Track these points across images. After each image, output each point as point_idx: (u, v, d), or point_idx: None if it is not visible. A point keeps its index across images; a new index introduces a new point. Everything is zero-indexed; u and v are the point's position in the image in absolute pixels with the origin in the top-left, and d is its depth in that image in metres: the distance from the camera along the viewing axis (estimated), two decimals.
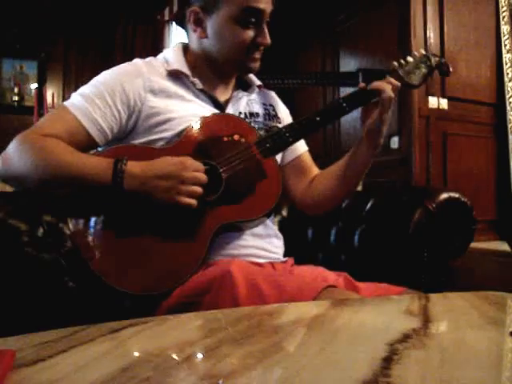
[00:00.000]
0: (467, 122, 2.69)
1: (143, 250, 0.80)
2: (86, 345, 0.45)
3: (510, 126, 2.72)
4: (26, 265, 0.76)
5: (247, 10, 0.88)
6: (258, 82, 1.04)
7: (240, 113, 0.98)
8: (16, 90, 3.70)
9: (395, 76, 0.96)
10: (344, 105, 0.92)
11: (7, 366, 0.37)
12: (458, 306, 0.67)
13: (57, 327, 0.50)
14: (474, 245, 1.15)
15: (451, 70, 1.04)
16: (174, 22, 3.82)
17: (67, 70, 3.77)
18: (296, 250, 1.04)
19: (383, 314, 0.63)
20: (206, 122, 0.89)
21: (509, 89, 2.74)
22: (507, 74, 2.76)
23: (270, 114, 1.04)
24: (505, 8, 2.79)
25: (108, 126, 0.85)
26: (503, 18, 2.78)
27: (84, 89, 0.88)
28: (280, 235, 1.01)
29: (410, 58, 0.99)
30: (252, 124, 0.96)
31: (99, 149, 0.88)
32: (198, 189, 0.79)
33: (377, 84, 0.90)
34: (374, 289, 0.86)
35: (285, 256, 1.00)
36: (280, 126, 1.03)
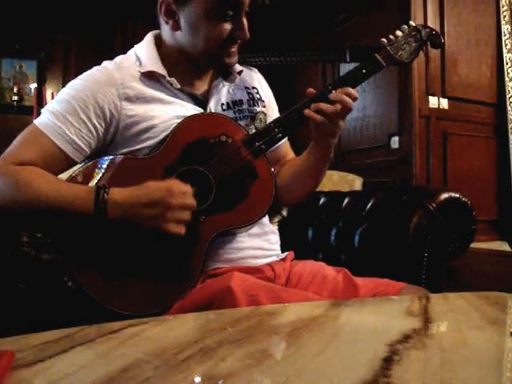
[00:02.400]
0: (468, 122, 2.69)
1: (138, 270, 0.78)
2: (85, 345, 0.45)
3: (510, 125, 2.72)
4: (25, 265, 0.76)
5: (223, 2, 0.81)
6: (239, 69, 0.96)
7: (222, 104, 0.93)
8: (15, 89, 3.70)
9: (384, 54, 0.91)
10: (333, 91, 0.85)
11: (6, 367, 0.37)
12: (458, 306, 0.67)
13: (56, 327, 0.50)
14: (474, 245, 1.15)
15: (443, 41, 0.98)
16: None
17: (67, 70, 3.76)
18: (296, 249, 1.04)
19: (383, 314, 0.63)
20: (189, 124, 0.84)
21: (509, 88, 2.74)
22: (508, 73, 2.76)
23: (255, 99, 0.98)
24: (505, 8, 2.79)
25: (85, 144, 0.81)
26: (504, 17, 2.78)
27: (54, 105, 0.82)
28: (276, 231, 1.00)
29: (399, 33, 0.93)
30: (236, 113, 0.93)
31: (79, 164, 0.84)
32: (186, 215, 0.76)
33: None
34: (374, 286, 0.85)
35: (283, 251, 0.99)
36: (264, 110, 0.99)
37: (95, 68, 0.87)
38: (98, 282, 0.77)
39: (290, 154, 1.05)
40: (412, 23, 0.96)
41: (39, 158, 0.79)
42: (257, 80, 1.03)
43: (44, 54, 3.67)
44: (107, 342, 0.47)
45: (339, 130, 0.87)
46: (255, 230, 0.90)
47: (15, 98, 3.69)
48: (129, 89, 0.84)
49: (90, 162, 0.83)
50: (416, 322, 0.55)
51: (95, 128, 0.82)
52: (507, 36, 2.78)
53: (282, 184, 0.96)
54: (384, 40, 0.92)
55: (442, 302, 0.71)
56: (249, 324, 0.55)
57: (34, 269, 0.76)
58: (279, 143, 0.98)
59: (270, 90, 1.06)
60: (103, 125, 0.82)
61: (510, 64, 2.76)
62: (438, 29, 2.61)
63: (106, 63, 0.88)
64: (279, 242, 0.99)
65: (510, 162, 2.70)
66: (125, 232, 0.77)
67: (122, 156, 0.83)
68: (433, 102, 2.58)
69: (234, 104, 0.94)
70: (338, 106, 0.82)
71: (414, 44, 0.93)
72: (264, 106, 1.00)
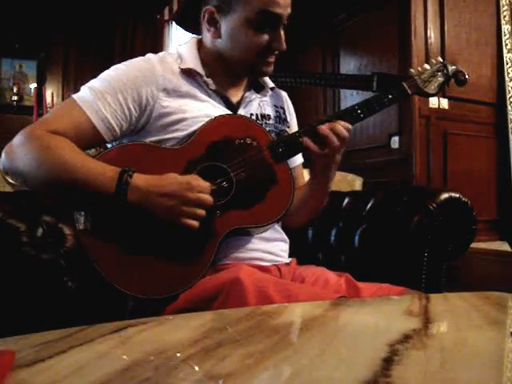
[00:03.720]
0: (468, 122, 2.69)
1: (150, 254, 0.79)
2: (85, 345, 0.45)
3: (510, 125, 2.72)
4: (25, 265, 0.76)
5: (263, 14, 0.85)
6: (271, 85, 1.02)
7: (252, 114, 0.96)
8: (15, 89, 3.71)
9: (412, 83, 0.96)
10: (359, 111, 0.90)
11: (7, 367, 0.37)
12: (459, 306, 0.67)
13: (56, 327, 0.50)
14: (474, 245, 1.15)
15: (468, 78, 1.05)
16: (173, 22, 3.82)
17: (66, 70, 3.77)
18: (296, 250, 1.04)
19: (383, 314, 0.63)
20: (218, 122, 0.87)
21: (509, 88, 2.74)
22: (508, 73, 2.76)
23: (281, 118, 1.03)
24: (505, 7, 2.79)
25: (117, 124, 0.84)
26: (504, 17, 2.78)
27: (95, 83, 0.85)
28: (287, 239, 1.01)
29: (426, 66, 0.99)
30: (263, 125, 0.95)
31: (108, 145, 0.87)
32: (201, 211, 0.77)
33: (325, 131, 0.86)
34: (376, 289, 0.85)
35: (288, 257, 0.99)
36: (288, 130, 1.02)
37: (139, 58, 0.91)
38: (109, 260, 0.78)
39: (302, 180, 1.09)
40: (440, 59, 1.03)
41: (71, 130, 0.81)
42: (285, 102, 1.08)
43: (44, 54, 3.67)
44: (107, 341, 0.47)
45: (336, 165, 0.91)
46: (268, 234, 0.92)
47: (15, 97, 3.70)
48: (167, 81, 0.88)
49: (118, 145, 0.85)
50: (416, 322, 0.55)
51: (130, 111, 0.85)
52: (507, 36, 2.78)
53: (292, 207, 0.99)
54: (412, 70, 0.98)
55: (441, 302, 0.71)
56: (249, 324, 0.55)
57: (34, 269, 0.76)
58: (297, 162, 1.06)
59: (295, 114, 1.11)
60: (138, 110, 0.86)
61: (510, 64, 2.76)
62: (438, 29, 2.61)
63: (149, 55, 0.92)
64: (288, 252, 1.00)
65: (510, 161, 2.71)
66: (140, 217, 0.78)
67: (149, 144, 0.86)
68: (433, 101, 2.59)
69: (262, 117, 0.98)
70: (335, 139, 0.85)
71: (440, 78, 1.01)
72: (288, 127, 1.04)
